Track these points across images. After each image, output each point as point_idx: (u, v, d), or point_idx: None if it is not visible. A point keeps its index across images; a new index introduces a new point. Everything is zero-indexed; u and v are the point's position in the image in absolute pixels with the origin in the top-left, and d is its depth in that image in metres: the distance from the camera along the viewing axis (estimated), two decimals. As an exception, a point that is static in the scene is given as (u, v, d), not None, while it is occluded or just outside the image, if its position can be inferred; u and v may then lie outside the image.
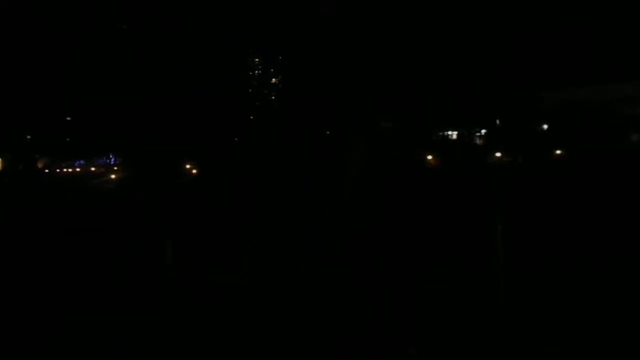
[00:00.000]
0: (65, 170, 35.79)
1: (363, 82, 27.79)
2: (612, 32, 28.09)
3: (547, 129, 28.13)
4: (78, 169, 36.86)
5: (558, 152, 27.43)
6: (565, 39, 28.97)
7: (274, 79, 34.06)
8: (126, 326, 7.92)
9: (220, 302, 8.36)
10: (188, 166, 34.60)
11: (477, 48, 29.67)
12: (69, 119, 32.01)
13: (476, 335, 6.59)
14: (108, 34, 31.52)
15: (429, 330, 6.47)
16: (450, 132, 33.28)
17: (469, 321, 6.98)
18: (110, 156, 36.63)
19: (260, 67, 33.92)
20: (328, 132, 29.46)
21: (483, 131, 33.04)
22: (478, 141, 32.56)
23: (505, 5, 29.49)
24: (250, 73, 34.00)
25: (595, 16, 28.32)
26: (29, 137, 31.60)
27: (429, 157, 30.38)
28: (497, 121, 31.22)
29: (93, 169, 36.64)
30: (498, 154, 24.04)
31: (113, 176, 35.52)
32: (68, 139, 32.76)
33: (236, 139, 33.09)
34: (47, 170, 33.81)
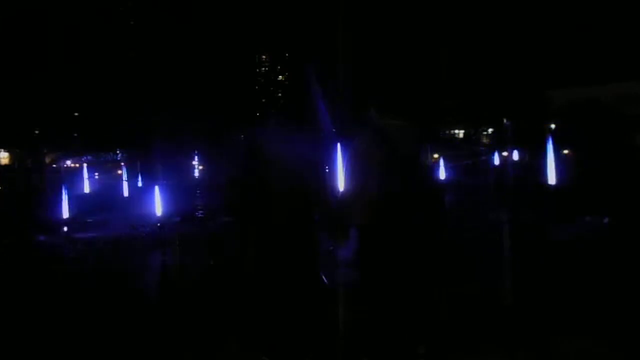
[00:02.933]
0: (72, 165, 36.03)
1: (367, 79, 27.75)
2: (619, 29, 28.01)
3: (555, 128, 28.01)
4: (85, 165, 37.08)
5: (566, 151, 27.32)
6: (574, 37, 28.92)
7: (280, 76, 34.08)
8: (129, 320, 7.93)
9: (223, 298, 8.38)
10: (194, 163, 34.67)
11: (484, 46, 29.66)
12: (76, 114, 32.17)
13: (483, 336, 6.57)
14: (113, 29, 31.61)
15: (436, 329, 6.45)
16: (457, 131, 33.28)
17: (476, 322, 6.95)
18: (117, 152, 36.85)
19: (267, 64, 33.96)
20: (334, 130, 29.42)
21: (490, 130, 33.01)
22: (485, 140, 32.53)
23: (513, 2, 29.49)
24: (257, 70, 34.04)
25: (603, 13, 28.26)
26: (37, 132, 31.79)
27: (435, 155, 30.34)
28: (505, 120, 31.13)
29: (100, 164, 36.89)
30: (505, 153, 24.01)
31: (119, 172, 35.68)
32: (76, 134, 32.95)
33: (242, 136, 33.11)
34: (54, 165, 34.03)
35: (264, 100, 33.81)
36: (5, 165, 35.48)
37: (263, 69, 34.04)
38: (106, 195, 22.50)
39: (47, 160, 33.66)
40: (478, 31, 29.49)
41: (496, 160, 23.64)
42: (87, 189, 22.50)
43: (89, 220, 16.78)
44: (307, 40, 29.81)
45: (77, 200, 16.28)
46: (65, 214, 13.10)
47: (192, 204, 16.48)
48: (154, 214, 11.22)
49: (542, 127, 26.82)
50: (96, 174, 31.12)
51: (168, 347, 6.97)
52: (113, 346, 7.00)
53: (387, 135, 5.79)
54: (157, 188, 11.27)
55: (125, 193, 21.51)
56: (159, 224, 11.69)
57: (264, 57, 33.89)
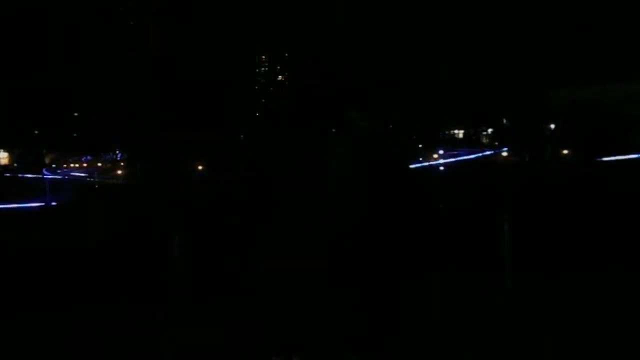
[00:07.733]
0: (72, 165, 36.02)
1: (366, 80, 27.72)
2: (619, 30, 27.98)
3: (555, 128, 28.02)
4: (85, 164, 37.07)
5: (565, 151, 27.35)
6: (574, 37, 28.87)
7: (280, 77, 34.03)
8: (130, 318, 7.93)
9: (226, 295, 8.38)
10: (194, 162, 34.68)
11: (484, 46, 29.61)
12: (76, 114, 32.12)
13: (478, 337, 6.56)
14: (113, 29, 31.60)
15: (429, 331, 6.44)
16: (456, 131, 33.24)
17: (472, 322, 6.94)
18: (117, 152, 36.80)
19: (267, 64, 33.90)
20: (334, 130, 29.35)
21: (490, 130, 33.00)
22: (485, 140, 32.52)
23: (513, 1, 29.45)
24: (257, 70, 33.98)
25: (604, 13, 28.22)
26: (36, 132, 31.76)
27: (435, 155, 30.37)
28: (504, 120, 31.14)
29: (100, 164, 36.86)
30: (504, 153, 24.05)
31: (119, 172, 35.69)
32: (75, 134, 32.91)
33: (242, 137, 33.12)
34: (54, 165, 34.03)
35: (263, 100, 33.80)
36: None
37: (263, 69, 34.01)
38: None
39: (47, 159, 33.66)
40: (478, 32, 29.45)
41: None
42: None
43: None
44: (306, 40, 29.78)
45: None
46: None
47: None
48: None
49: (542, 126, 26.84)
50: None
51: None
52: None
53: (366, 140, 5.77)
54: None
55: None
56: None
57: (263, 57, 33.85)
